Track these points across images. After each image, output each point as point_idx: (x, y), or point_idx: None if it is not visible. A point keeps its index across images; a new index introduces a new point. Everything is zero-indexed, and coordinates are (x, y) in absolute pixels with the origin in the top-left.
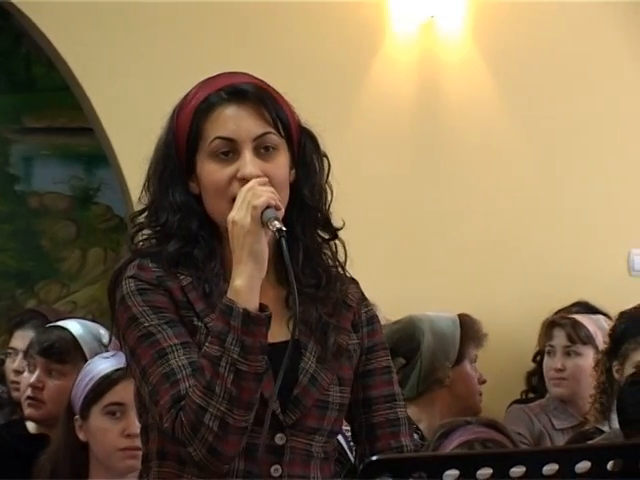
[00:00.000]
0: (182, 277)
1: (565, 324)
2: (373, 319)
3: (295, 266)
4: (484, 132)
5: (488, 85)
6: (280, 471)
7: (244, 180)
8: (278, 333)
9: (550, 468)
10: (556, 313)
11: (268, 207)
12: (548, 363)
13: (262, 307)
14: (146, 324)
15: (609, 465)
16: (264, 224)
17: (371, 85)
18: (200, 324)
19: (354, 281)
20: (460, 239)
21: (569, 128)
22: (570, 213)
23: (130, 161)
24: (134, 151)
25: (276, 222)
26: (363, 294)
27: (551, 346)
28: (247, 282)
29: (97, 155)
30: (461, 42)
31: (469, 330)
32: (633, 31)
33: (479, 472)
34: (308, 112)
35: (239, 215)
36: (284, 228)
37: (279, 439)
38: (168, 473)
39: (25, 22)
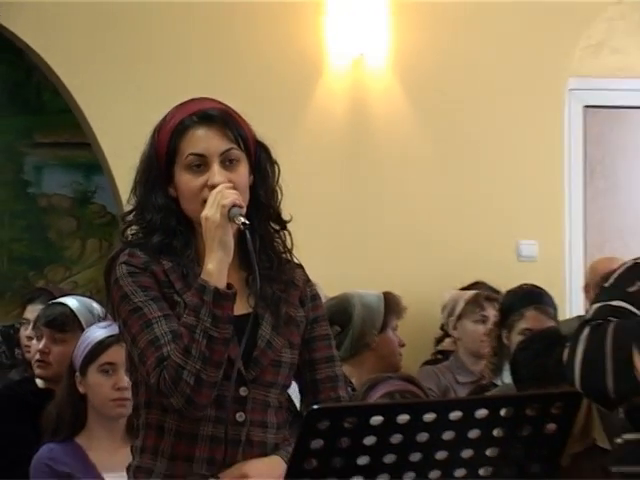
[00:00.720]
0: (164, 262)
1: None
2: (316, 296)
3: (254, 253)
4: (402, 144)
5: (405, 108)
6: (243, 417)
7: (213, 187)
8: (240, 307)
9: (455, 414)
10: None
11: (234, 206)
12: (480, 329)
13: (229, 286)
14: (135, 300)
15: (502, 412)
16: (231, 219)
17: (313, 107)
18: (179, 299)
19: (300, 266)
20: (384, 231)
21: (471, 141)
22: (470, 210)
23: (121, 170)
24: (124, 162)
25: (241, 217)
26: (307, 276)
27: (484, 316)
28: (217, 266)
29: (94, 165)
30: (385, 74)
31: (391, 304)
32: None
33: (399, 417)
34: (263, 127)
35: (210, 212)
36: (247, 222)
37: (243, 391)
38: (154, 419)
39: (35, 58)
